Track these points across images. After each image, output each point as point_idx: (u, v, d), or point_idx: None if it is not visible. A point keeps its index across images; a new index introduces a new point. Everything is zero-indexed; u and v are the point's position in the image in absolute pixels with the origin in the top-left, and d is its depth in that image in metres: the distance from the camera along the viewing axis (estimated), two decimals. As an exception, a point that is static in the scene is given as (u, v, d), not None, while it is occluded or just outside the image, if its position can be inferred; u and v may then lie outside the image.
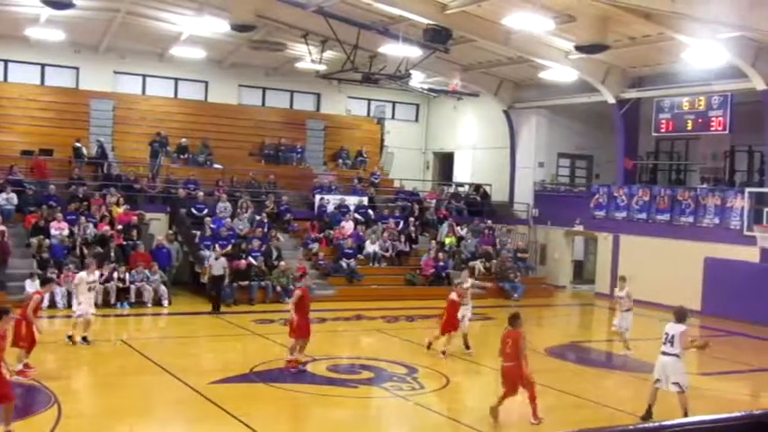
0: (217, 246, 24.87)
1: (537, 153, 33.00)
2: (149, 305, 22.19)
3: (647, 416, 12.44)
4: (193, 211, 26.64)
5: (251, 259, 24.56)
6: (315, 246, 27.21)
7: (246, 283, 23.95)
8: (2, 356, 10.55)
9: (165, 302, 22.45)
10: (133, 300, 21.97)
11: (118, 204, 25.35)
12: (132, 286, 22.07)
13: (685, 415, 12.13)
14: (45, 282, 16.66)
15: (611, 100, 28.65)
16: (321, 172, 33.19)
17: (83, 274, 17.56)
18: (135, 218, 24.97)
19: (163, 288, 22.59)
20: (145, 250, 23.42)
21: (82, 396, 13.03)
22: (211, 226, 25.55)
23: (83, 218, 23.92)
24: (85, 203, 24.99)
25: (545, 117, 32.93)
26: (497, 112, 33.97)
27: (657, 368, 12.52)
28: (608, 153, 31.56)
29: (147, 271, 22.55)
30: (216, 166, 30.74)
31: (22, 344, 13.56)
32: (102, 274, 19.82)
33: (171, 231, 25.45)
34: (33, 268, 21.59)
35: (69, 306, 20.56)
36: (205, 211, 26.62)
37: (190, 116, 32.37)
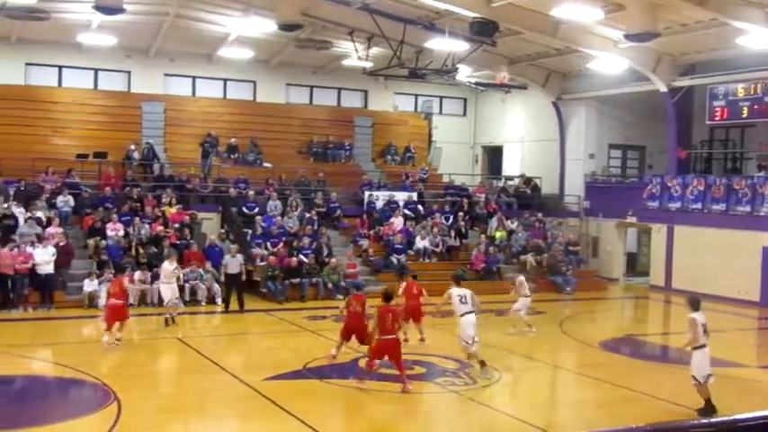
0: (268, 244, 25.18)
1: (587, 144, 32.69)
2: (203, 303, 22.54)
3: (708, 410, 12.11)
4: (244, 209, 26.94)
5: (301, 257, 24.77)
6: (364, 242, 27.34)
7: (297, 280, 24.16)
8: None
9: (219, 300, 22.77)
10: (187, 298, 22.31)
11: (170, 205, 25.77)
12: (186, 285, 22.41)
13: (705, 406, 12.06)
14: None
15: (663, 88, 28.22)
16: (370, 169, 33.32)
17: (165, 263, 19.36)
18: (187, 217, 25.37)
19: (216, 286, 22.92)
20: (197, 249, 23.78)
21: (140, 393, 13.29)
22: (262, 224, 25.84)
23: (137, 219, 24.39)
24: (139, 204, 25.46)
25: (594, 108, 32.58)
26: (546, 104, 33.71)
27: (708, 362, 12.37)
28: (660, 143, 31.10)
29: (200, 269, 22.91)
30: (265, 164, 31.05)
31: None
32: (178, 267, 20.41)
33: (222, 230, 25.77)
34: (92, 268, 22.09)
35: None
36: (256, 210, 26.91)
37: (239, 116, 32.72)
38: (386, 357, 13.68)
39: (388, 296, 14.10)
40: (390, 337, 13.45)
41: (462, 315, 14.93)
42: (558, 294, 26.82)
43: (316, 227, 26.64)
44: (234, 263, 22.04)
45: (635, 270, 32.30)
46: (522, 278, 19.96)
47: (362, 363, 14.14)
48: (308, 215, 27.28)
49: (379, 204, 29.63)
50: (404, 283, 18.28)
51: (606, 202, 31.08)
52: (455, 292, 15.20)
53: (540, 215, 31.01)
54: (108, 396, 12.69)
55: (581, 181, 32.61)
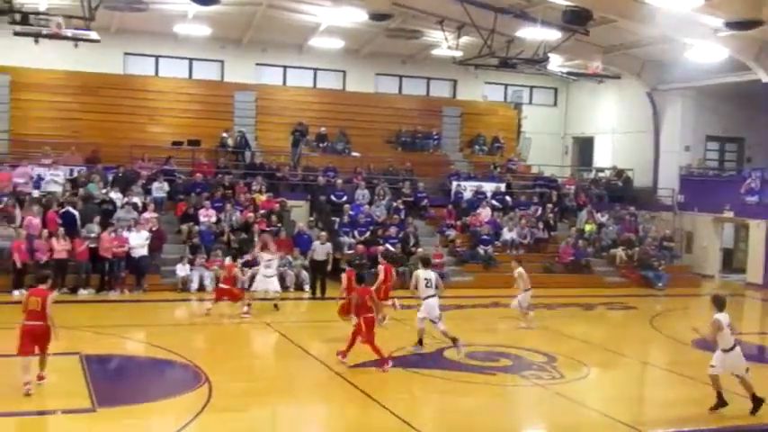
0: (355, 232, 25.42)
1: (683, 136, 31.84)
2: (291, 289, 22.90)
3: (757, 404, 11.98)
4: (332, 198, 27.26)
5: (388, 246, 24.91)
6: (451, 232, 27.31)
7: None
8: None
9: (306, 287, 23.11)
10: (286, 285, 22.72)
11: (261, 192, 26.27)
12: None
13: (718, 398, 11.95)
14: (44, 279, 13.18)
15: (765, 78, 27.17)
16: (457, 159, 33.23)
17: (264, 252, 19.86)
18: (277, 205, 25.82)
19: (304, 273, 23.27)
20: (287, 236, 24.17)
21: (229, 376, 13.62)
22: (350, 213, 26.11)
23: (228, 205, 24.95)
24: (231, 191, 26.03)
25: (691, 98, 31.69)
26: (640, 94, 32.94)
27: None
28: (760, 135, 30.08)
29: (289, 256, 23.29)
30: (354, 153, 31.31)
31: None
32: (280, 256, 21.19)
33: (311, 218, 26.14)
34: (185, 253, 22.74)
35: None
36: (344, 198, 27.19)
37: (328, 105, 33.05)
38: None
39: (360, 278, 15.19)
40: (369, 315, 14.24)
41: (426, 298, 15.35)
42: (649, 290, 26.24)
43: (403, 216, 26.76)
44: (321, 250, 22.33)
45: (731, 267, 31.32)
46: (521, 270, 18.95)
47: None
48: (395, 204, 27.43)
49: (467, 195, 29.55)
50: (381, 267, 18.78)
51: (702, 196, 30.22)
52: (422, 274, 15.48)
53: (631, 208, 30.38)
54: (199, 378, 13.07)
55: (675, 174, 31.79)
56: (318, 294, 22.28)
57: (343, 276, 17.78)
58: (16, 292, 19.95)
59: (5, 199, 22.52)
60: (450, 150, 34.06)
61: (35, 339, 12.00)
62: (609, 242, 28.56)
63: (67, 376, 12.90)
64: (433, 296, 15.38)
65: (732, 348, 11.98)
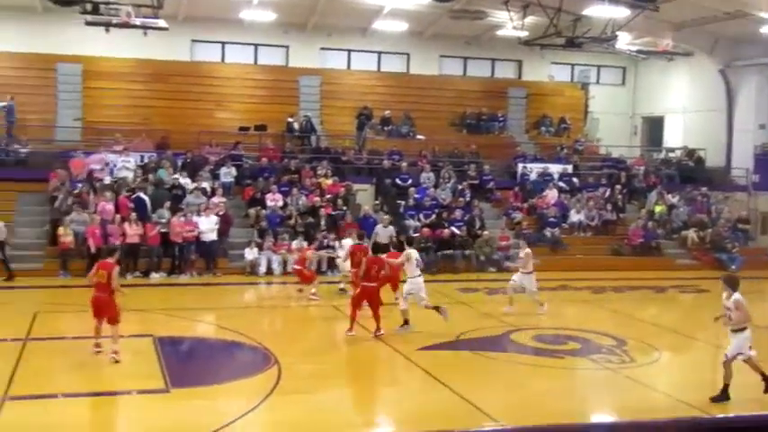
0: (420, 215, 25.43)
1: (758, 114, 30.95)
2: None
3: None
4: (398, 181, 27.29)
5: (453, 229, 24.86)
6: (517, 215, 27.10)
7: (449, 252, 24.29)
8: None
9: (372, 270, 23.20)
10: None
11: (326, 176, 26.45)
12: (340, 253, 22.96)
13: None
14: (113, 251, 14.54)
15: None
16: (523, 140, 32.92)
17: (347, 239, 20.15)
18: (343, 189, 25.96)
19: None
20: (353, 220, 24.31)
21: (298, 358, 13.81)
22: (415, 196, 26.13)
23: (295, 189, 25.20)
24: (297, 176, 26.28)
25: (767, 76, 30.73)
26: (712, 71, 32.09)
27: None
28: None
29: (355, 240, 23.39)
30: (418, 136, 31.24)
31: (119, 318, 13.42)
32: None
33: (377, 201, 26.21)
34: (253, 237, 23.07)
35: (286, 272, 21.93)
36: (409, 182, 27.20)
37: (392, 88, 33.02)
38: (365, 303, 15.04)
39: (376, 248, 15.95)
40: (372, 284, 14.94)
41: (415, 277, 15.72)
42: (722, 272, 25.63)
43: (468, 199, 26.65)
44: (384, 233, 22.32)
45: (808, 249, 30.36)
46: (528, 251, 18.38)
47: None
48: (460, 187, 27.34)
49: (533, 177, 29.28)
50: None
51: (778, 176, 29.36)
52: (415, 254, 16.02)
53: (703, 189, 29.68)
54: (268, 360, 13.29)
55: (750, 153, 30.92)
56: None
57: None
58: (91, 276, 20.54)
59: (80, 185, 23.16)
60: (516, 132, 33.75)
61: (100, 310, 12.99)
62: (680, 224, 27.98)
63: (142, 358, 13.24)
64: (420, 275, 15.87)
65: (743, 330, 11.69)
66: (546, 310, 17.73)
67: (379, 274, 15.20)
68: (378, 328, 14.97)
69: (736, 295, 11.69)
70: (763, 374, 11.79)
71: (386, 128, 31.17)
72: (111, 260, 13.52)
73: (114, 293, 13.05)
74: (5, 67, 28.66)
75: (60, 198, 22.51)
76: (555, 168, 29.82)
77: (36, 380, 11.88)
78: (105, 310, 13.00)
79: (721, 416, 11.10)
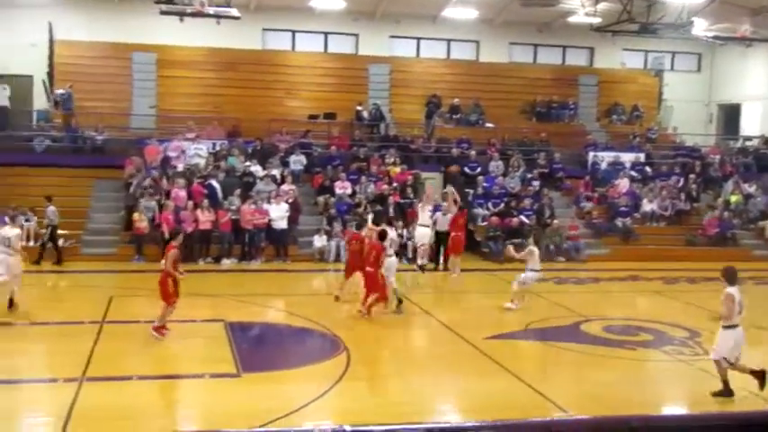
0: (489, 204, 25.29)
1: (843, 101, 29.86)
2: (425, 261, 23.00)
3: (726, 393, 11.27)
4: (466, 169, 27.15)
5: (522, 217, 24.65)
6: (587, 204, 26.72)
7: (519, 240, 24.03)
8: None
9: (441, 259, 23.14)
10: (410, 255, 22.91)
11: (395, 164, 26.48)
12: (409, 243, 23.01)
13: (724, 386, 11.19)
14: (176, 234, 15.18)
15: None
16: (594, 129, 32.40)
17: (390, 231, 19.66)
18: (411, 177, 25.95)
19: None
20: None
21: (367, 345, 13.90)
22: (484, 184, 25.97)
23: (363, 177, 25.30)
24: (365, 164, 26.37)
25: None
26: (794, 57, 31.07)
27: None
28: None
29: (422, 228, 23.38)
30: (487, 125, 31.01)
31: (172, 300, 13.57)
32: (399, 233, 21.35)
33: (445, 190, 26.10)
34: (322, 224, 23.27)
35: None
36: (478, 170, 27.04)
37: (461, 76, 32.81)
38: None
39: (382, 236, 15.70)
40: (370, 269, 15.49)
41: (390, 256, 16.15)
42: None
43: (538, 188, 26.38)
44: (444, 221, 22.20)
45: None
46: (533, 248, 16.92)
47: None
48: (530, 176, 27.09)
49: (604, 165, 28.84)
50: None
51: None
52: (392, 234, 16.91)
53: (783, 178, 28.80)
54: (337, 346, 13.40)
55: (832, 142, 29.86)
56: (442, 266, 22.24)
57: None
58: (164, 262, 20.99)
59: (154, 172, 23.65)
60: (587, 120, 33.22)
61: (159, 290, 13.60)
62: (757, 214, 27.22)
63: (213, 342, 13.50)
64: (392, 256, 16.28)
65: (733, 327, 11.21)
66: (515, 307, 16.46)
67: (378, 258, 15.51)
68: (364, 308, 15.47)
69: (729, 289, 11.23)
70: (752, 372, 11.34)
71: (455, 116, 31.02)
72: (173, 242, 14.12)
73: (168, 274, 13.49)
74: (83, 56, 29.45)
75: (135, 184, 23.03)
76: (627, 157, 29.30)
77: (112, 362, 12.21)
78: (159, 287, 13.59)
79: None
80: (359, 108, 29.64)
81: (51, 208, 21.30)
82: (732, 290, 11.23)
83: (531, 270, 16.71)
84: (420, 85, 31.86)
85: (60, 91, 27.18)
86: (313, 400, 10.70)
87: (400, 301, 16.20)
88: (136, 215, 21.82)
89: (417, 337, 15.17)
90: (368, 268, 15.61)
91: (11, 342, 13.59)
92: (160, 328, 13.47)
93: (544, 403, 10.89)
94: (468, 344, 13.89)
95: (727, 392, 11.29)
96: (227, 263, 21.97)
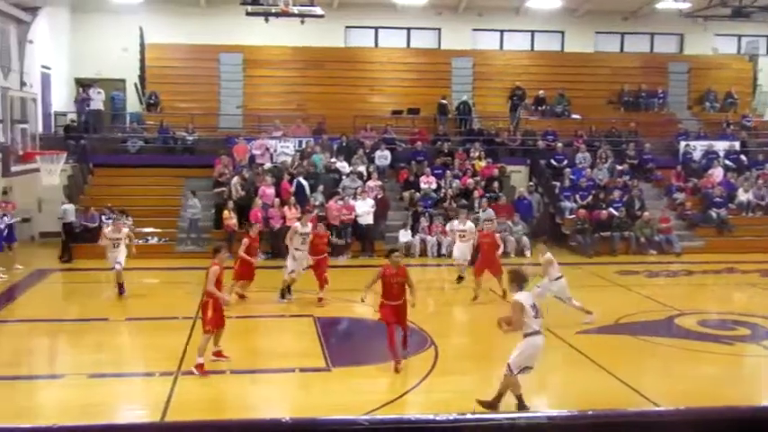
0: (577, 196, 24.93)
1: None
2: (512, 255, 22.83)
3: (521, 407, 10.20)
4: (552, 162, 26.84)
5: (611, 210, 24.22)
6: (680, 195, 26.05)
7: (608, 233, 23.69)
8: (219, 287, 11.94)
9: (528, 253, 22.97)
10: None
11: (480, 158, 26.35)
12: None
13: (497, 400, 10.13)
14: (216, 251, 12.80)
15: None
16: (686, 117, 31.54)
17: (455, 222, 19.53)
18: (496, 170, 25.79)
19: (525, 239, 23.15)
20: (507, 202, 24.13)
21: (453, 339, 13.90)
22: (571, 177, 25.61)
23: (448, 172, 25.24)
24: (450, 158, 26.31)
25: None
26: None
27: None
28: None
29: (509, 222, 23.24)
30: (574, 116, 30.55)
31: (207, 327, 11.79)
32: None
33: (531, 183, 25.91)
34: (407, 220, 23.33)
35: (440, 254, 22.12)
36: (564, 162, 26.71)
37: (546, 67, 32.41)
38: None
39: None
40: (321, 256, 16.58)
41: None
42: None
43: (627, 179, 25.86)
44: (487, 214, 22.03)
45: None
46: (549, 255, 15.10)
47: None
48: (618, 167, 26.61)
49: (697, 155, 28.07)
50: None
51: None
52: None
53: None
54: (425, 341, 13.44)
55: None
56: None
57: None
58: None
59: (243, 170, 24.12)
60: (678, 108, 32.34)
61: (202, 314, 11.93)
62: None
63: (303, 337, 13.71)
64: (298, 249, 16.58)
65: (533, 334, 10.06)
66: (593, 319, 14.74)
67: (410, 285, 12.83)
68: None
69: (515, 296, 10.13)
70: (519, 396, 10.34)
71: (540, 108, 30.66)
72: (214, 260, 12.14)
73: (210, 295, 11.72)
74: (172, 58, 30.27)
75: (224, 182, 23.53)
76: (720, 145, 28.43)
77: (206, 357, 12.51)
78: (202, 315, 11.89)
79: None
80: (442, 102, 29.58)
81: (68, 206, 22.49)
82: (520, 296, 10.08)
83: (551, 279, 14.94)
84: (503, 78, 31.59)
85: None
86: (402, 394, 10.80)
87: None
88: (225, 212, 22.28)
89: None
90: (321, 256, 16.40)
91: (108, 336, 14.12)
92: (199, 366, 11.44)
93: (639, 399, 10.69)
94: (558, 339, 13.71)
95: (523, 407, 10.31)
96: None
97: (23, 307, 16.51)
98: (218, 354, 12.09)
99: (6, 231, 19.81)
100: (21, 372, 12.43)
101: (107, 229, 17.86)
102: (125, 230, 17.64)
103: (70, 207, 22.61)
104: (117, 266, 16.94)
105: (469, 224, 18.29)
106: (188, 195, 23.54)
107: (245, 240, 16.45)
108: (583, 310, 14.75)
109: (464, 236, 18.00)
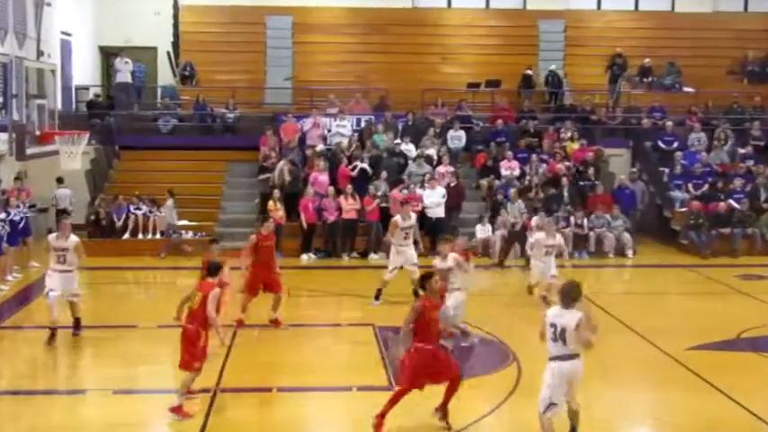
0: (689, 185, 24.59)
1: None
2: (611, 255, 22.64)
3: None
4: (660, 144, 26.53)
5: (732, 201, 23.84)
6: (817, 184, 25.49)
7: (727, 230, 23.29)
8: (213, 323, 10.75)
9: (630, 252, 22.75)
10: (592, 249, 22.62)
11: (572, 139, 26.14)
12: (591, 233, 22.68)
13: None
14: (215, 270, 11.51)
15: None
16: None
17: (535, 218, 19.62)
18: (592, 154, 25.56)
19: (626, 236, 22.89)
20: (604, 192, 23.89)
21: (539, 355, 13.74)
22: (682, 162, 25.33)
23: (534, 156, 25.09)
24: (536, 139, 26.15)
25: None
26: None
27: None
28: None
29: (607, 216, 23.01)
30: (686, 89, 30.16)
31: (197, 364, 10.93)
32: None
33: (634, 169, 25.62)
34: (484, 212, 23.26)
35: (522, 254, 21.98)
36: (674, 145, 26.40)
37: (653, 31, 32.09)
38: None
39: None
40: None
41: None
42: None
43: (751, 164, 25.42)
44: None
45: None
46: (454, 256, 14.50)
47: None
48: (740, 150, 26.22)
49: (840, 135, 27.41)
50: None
51: None
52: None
53: None
54: (506, 356, 13.47)
55: None
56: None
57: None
58: (304, 257, 21.60)
59: (291, 154, 24.31)
60: (817, 79, 31.64)
61: (185, 346, 10.83)
62: None
63: (362, 349, 13.84)
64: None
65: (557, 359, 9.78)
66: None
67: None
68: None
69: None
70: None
71: (645, 79, 30.30)
72: (212, 280, 11.16)
73: (208, 326, 10.79)
74: (210, 23, 30.76)
75: (270, 168, 23.73)
76: None
77: (249, 370, 12.72)
78: (191, 346, 10.75)
79: None
80: (527, 73, 29.39)
81: (63, 190, 23.35)
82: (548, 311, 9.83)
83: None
84: (601, 44, 31.26)
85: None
86: (484, 415, 10.86)
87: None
88: (271, 203, 22.30)
89: (603, 346, 14.87)
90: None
91: (137, 345, 14.38)
92: (177, 409, 10.65)
93: (760, 425, 10.61)
94: (665, 354, 13.59)
95: None
96: (374, 258, 22.17)
97: (40, 311, 16.83)
98: (180, 409, 10.73)
99: (22, 223, 19.87)
100: (37, 386, 12.75)
101: (50, 236, 14.95)
102: (74, 238, 14.47)
103: (62, 192, 23.45)
104: (52, 294, 14.11)
105: (559, 237, 17.37)
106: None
107: (252, 238, 15.18)
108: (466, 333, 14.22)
109: (550, 252, 16.83)
